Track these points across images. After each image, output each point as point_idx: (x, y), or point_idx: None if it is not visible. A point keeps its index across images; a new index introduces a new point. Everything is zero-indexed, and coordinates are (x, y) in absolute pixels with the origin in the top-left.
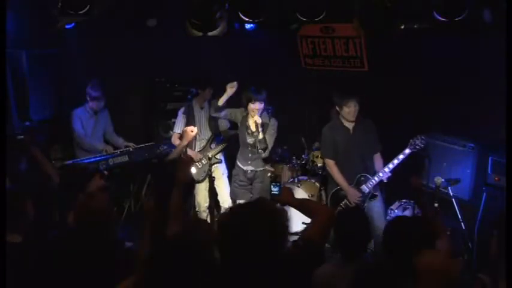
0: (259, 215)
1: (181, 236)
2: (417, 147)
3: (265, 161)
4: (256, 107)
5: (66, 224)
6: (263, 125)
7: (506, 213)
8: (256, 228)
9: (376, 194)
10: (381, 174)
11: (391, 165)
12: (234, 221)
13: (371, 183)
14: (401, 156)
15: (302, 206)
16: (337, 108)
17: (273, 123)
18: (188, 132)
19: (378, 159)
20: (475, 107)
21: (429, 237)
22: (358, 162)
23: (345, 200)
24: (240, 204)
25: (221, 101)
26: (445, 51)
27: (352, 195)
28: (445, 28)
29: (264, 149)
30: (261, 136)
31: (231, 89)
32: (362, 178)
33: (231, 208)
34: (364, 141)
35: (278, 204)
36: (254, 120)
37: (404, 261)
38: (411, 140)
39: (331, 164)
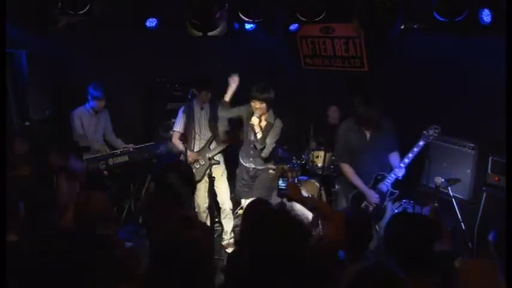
0: (290, 223)
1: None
2: (431, 137)
3: (267, 160)
4: (255, 105)
5: (61, 225)
6: (267, 125)
7: (506, 213)
8: (287, 236)
9: (396, 191)
10: (397, 170)
11: (406, 160)
12: (265, 228)
13: (388, 181)
14: (415, 149)
15: (308, 205)
16: (356, 122)
17: (278, 124)
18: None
19: (394, 156)
20: (475, 107)
21: (431, 235)
22: (374, 163)
23: (365, 202)
24: (270, 210)
25: (227, 97)
26: (445, 51)
27: (371, 196)
28: (445, 28)
29: (262, 149)
30: (259, 136)
31: (233, 83)
32: (379, 177)
33: (262, 214)
34: (381, 144)
35: (285, 199)
36: (252, 120)
37: (406, 258)
38: (425, 132)
39: (346, 168)
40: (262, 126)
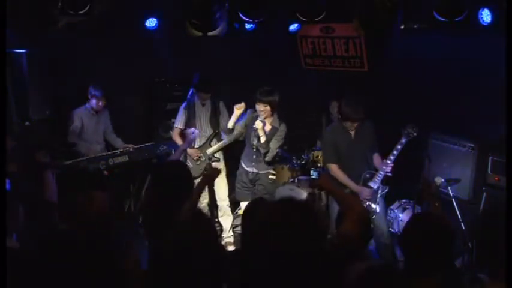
0: (305, 215)
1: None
2: (411, 135)
3: (268, 164)
4: (259, 108)
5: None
6: (272, 129)
7: (506, 213)
8: (300, 228)
9: (386, 187)
10: (384, 167)
11: (392, 157)
12: (279, 220)
13: (377, 178)
14: (399, 147)
15: (338, 195)
16: (343, 118)
17: (282, 128)
18: (189, 134)
19: (376, 157)
20: (475, 107)
21: (451, 236)
22: (361, 163)
23: None
24: (284, 201)
25: (230, 124)
26: (445, 51)
27: (363, 193)
28: (445, 28)
29: (265, 154)
30: (262, 140)
31: (238, 111)
32: (367, 175)
33: (275, 206)
34: (365, 143)
35: (316, 190)
36: (256, 124)
37: (423, 261)
38: (403, 130)
39: (334, 168)
40: (266, 131)
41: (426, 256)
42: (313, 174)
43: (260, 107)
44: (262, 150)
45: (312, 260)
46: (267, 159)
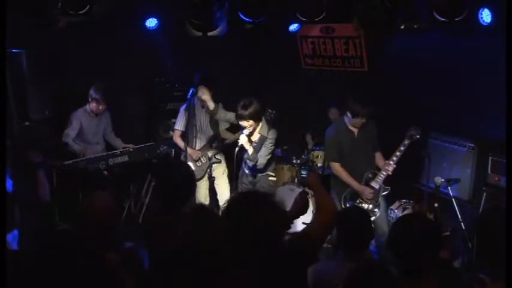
0: (263, 205)
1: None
2: (414, 137)
3: (266, 167)
4: (243, 124)
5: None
6: (260, 138)
7: (506, 213)
8: (259, 217)
9: (388, 187)
10: (386, 167)
11: (394, 158)
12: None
13: (379, 178)
14: (402, 148)
15: (318, 195)
16: (349, 114)
17: (271, 136)
18: None
19: (379, 157)
20: (475, 107)
21: (436, 238)
22: (363, 162)
23: (358, 199)
24: (247, 192)
25: (210, 107)
26: (445, 51)
27: (365, 192)
28: (445, 28)
29: (255, 163)
30: (250, 152)
31: (203, 95)
32: (370, 175)
33: (240, 194)
34: (368, 143)
35: (306, 189)
36: (240, 139)
37: (407, 259)
38: (407, 132)
39: (337, 167)
40: (255, 139)
41: (412, 257)
42: (303, 173)
43: (243, 123)
44: (250, 163)
45: (267, 250)
46: (258, 167)
